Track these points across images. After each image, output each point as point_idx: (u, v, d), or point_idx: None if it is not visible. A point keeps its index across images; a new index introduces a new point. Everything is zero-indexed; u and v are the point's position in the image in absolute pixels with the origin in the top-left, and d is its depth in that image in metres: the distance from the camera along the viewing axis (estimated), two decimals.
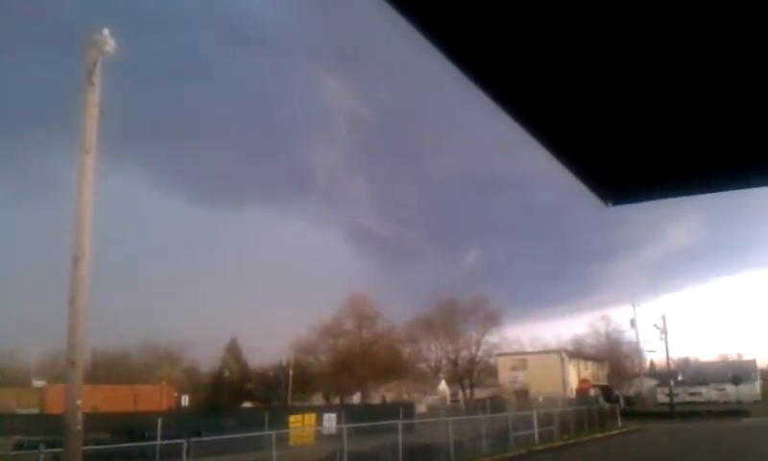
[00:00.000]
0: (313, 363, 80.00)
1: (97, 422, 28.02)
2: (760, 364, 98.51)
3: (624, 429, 48.75)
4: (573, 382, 78.74)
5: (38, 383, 62.76)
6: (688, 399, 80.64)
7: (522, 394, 69.97)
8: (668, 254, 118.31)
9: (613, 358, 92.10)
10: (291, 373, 73.18)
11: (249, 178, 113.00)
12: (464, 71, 1.97)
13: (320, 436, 33.34)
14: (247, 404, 70.95)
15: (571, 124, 2.45)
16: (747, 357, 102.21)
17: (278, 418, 33.09)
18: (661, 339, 69.73)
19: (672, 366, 75.33)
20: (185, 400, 70.30)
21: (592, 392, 74.40)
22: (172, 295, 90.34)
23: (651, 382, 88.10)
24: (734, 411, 61.64)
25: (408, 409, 44.84)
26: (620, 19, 1.82)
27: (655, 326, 70.40)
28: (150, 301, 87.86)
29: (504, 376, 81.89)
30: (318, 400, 76.97)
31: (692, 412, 62.04)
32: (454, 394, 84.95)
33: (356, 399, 76.82)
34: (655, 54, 1.99)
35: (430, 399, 76.35)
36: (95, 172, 14.40)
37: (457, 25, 1.80)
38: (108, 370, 69.51)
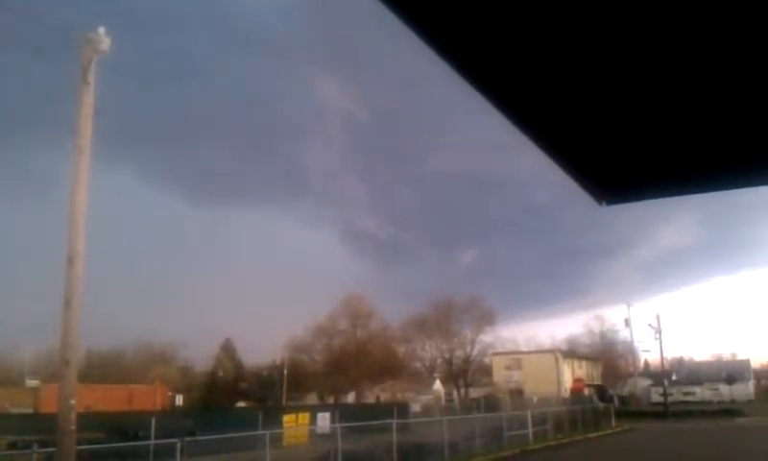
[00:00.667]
0: (308, 363, 79.95)
1: (91, 421, 27.91)
2: (754, 364, 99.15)
3: (618, 429, 48.84)
4: (568, 382, 78.90)
5: (32, 383, 62.46)
6: (682, 398, 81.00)
7: (517, 393, 70.05)
8: (663, 253, 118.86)
9: (608, 358, 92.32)
10: (285, 372, 73.13)
11: (244, 178, 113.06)
12: (458, 71, 1.97)
13: (314, 435, 33.40)
14: (241, 404, 70.82)
15: (564, 123, 2.45)
16: (741, 357, 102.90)
17: (272, 417, 33.10)
18: (656, 339, 69.76)
19: (666, 366, 75.38)
20: (179, 400, 70.18)
21: (587, 391, 74.57)
22: (166, 294, 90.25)
23: (645, 382, 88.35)
24: (728, 410, 61.88)
25: (402, 409, 44.85)
26: (613, 18, 1.82)
27: (649, 325, 70.45)
28: (144, 300, 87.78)
29: (499, 375, 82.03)
30: (312, 399, 76.97)
31: (686, 412, 62.25)
32: (449, 393, 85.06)
33: (351, 398, 76.83)
34: (648, 54, 2.00)
35: (425, 398, 76.38)
36: (90, 171, 14.36)
37: (452, 26, 1.81)
38: (103, 369, 69.31)
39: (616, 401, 72.11)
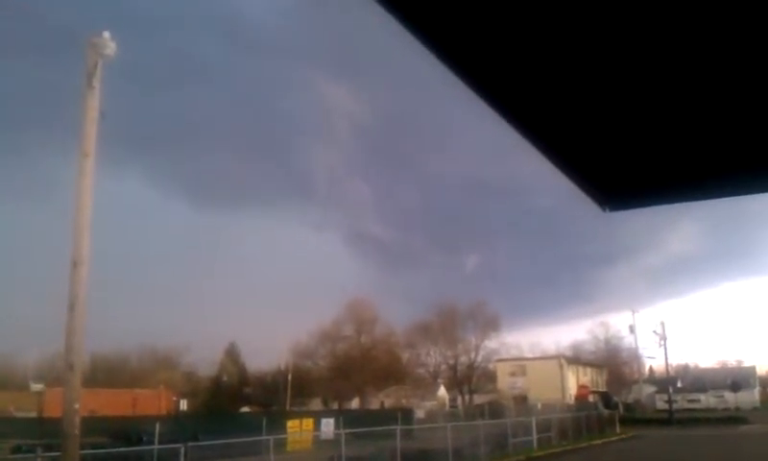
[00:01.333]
0: (312, 368, 79.93)
1: (95, 425, 27.95)
2: (759, 371, 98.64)
3: (623, 436, 48.69)
4: (572, 388, 78.68)
5: (36, 387, 62.60)
6: (687, 405, 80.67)
7: (521, 400, 69.92)
8: (667, 260, 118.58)
9: (612, 364, 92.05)
10: (290, 377, 73.12)
11: (249, 181, 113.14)
12: (461, 77, 1.97)
13: (318, 441, 33.38)
14: (245, 409, 70.89)
15: (567, 129, 2.44)
16: (746, 364, 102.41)
17: (277, 422, 33.13)
18: (660, 345, 69.63)
19: (671, 372, 75.27)
20: (184, 405, 70.27)
21: (591, 398, 74.29)
22: (171, 299, 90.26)
23: (650, 389, 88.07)
24: (733, 418, 61.56)
25: (407, 415, 44.85)
26: (617, 22, 1.82)
27: (654, 332, 70.32)
28: (149, 304, 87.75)
29: (503, 381, 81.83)
30: (316, 405, 76.90)
31: (691, 419, 61.99)
32: (453, 399, 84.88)
33: (355, 404, 76.77)
34: (653, 59, 1.99)
35: (429, 404, 76.20)
36: (94, 175, 14.40)
37: (455, 33, 1.81)
38: (107, 373, 69.47)
39: (621, 408, 71.86)
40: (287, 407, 67.87)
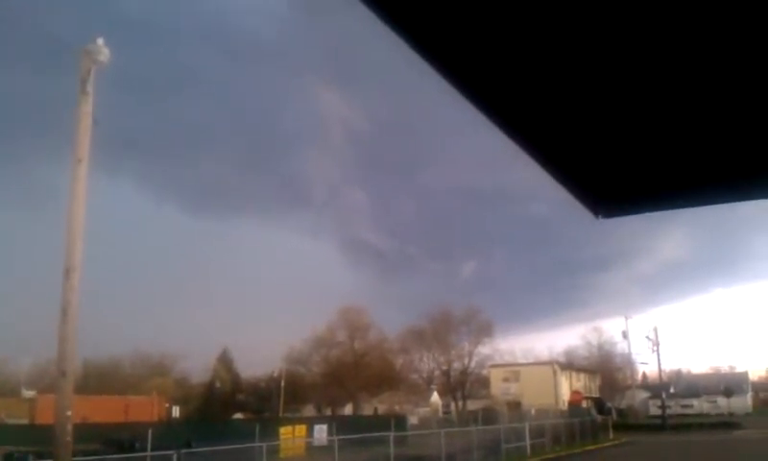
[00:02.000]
0: (305, 374, 79.76)
1: (87, 432, 27.79)
2: (752, 376, 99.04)
3: (616, 442, 48.72)
4: (565, 394, 78.64)
5: (28, 394, 62.25)
6: (680, 411, 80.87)
7: (514, 406, 69.77)
8: (660, 266, 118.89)
9: (606, 370, 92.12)
10: (283, 384, 72.90)
11: (243, 189, 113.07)
12: (456, 86, 1.98)
13: (311, 448, 33.29)
14: (238, 416, 70.67)
15: (561, 137, 2.46)
16: (739, 370, 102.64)
17: (269, 429, 32.99)
18: (654, 351, 69.73)
19: (664, 378, 75.22)
20: (176, 412, 69.96)
21: (584, 404, 74.34)
22: (164, 305, 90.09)
23: (643, 394, 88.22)
24: (726, 423, 61.73)
25: (400, 421, 44.79)
26: (610, 31, 1.83)
27: (647, 338, 70.42)
28: (141, 311, 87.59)
29: (496, 387, 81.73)
30: (310, 411, 76.76)
31: (684, 424, 62.10)
32: (446, 405, 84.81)
33: (348, 410, 76.61)
34: (645, 67, 2.01)
35: (422, 410, 76.18)
36: (88, 181, 14.37)
37: (449, 40, 1.82)
38: (99, 380, 69.18)
39: (614, 414, 71.98)
40: (280, 414, 67.65)
